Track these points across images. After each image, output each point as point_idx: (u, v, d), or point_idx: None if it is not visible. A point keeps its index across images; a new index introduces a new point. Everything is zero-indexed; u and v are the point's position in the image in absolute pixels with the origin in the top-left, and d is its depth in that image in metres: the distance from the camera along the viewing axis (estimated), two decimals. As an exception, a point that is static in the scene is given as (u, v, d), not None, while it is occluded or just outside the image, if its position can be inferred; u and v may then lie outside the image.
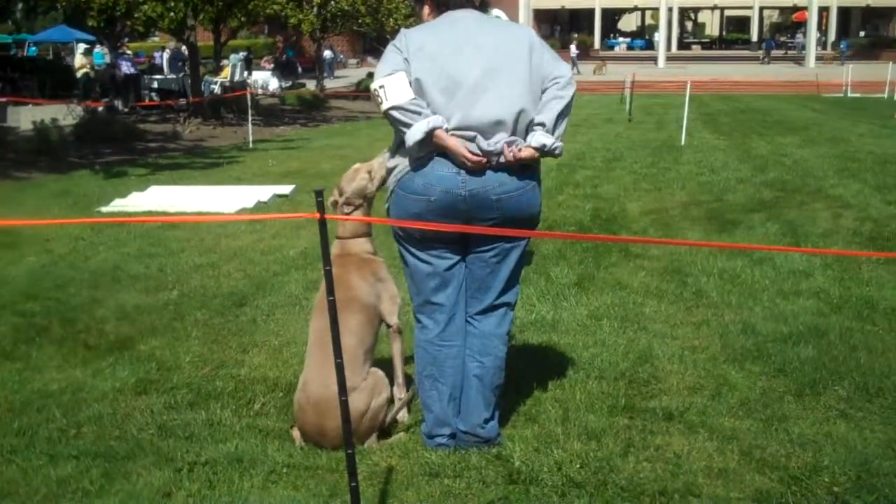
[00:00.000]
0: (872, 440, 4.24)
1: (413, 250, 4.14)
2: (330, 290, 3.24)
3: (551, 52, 4.07)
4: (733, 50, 70.25)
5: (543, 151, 3.92)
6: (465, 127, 3.86)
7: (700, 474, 3.93)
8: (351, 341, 4.14)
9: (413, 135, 3.83)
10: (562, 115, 3.97)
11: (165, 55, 35.40)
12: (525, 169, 3.97)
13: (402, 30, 4.07)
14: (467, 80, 3.87)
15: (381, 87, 3.88)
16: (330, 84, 40.81)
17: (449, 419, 4.18)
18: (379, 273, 4.55)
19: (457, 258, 4.11)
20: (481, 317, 4.18)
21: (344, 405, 3.32)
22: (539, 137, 3.90)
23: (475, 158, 3.84)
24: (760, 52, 64.36)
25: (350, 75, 47.89)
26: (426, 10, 4.20)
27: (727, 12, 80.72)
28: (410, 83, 3.87)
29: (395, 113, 3.87)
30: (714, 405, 4.66)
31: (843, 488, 3.79)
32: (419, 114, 3.85)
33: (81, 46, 33.18)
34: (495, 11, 4.81)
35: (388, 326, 4.59)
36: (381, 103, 3.91)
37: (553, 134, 3.93)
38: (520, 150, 3.88)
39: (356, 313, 4.35)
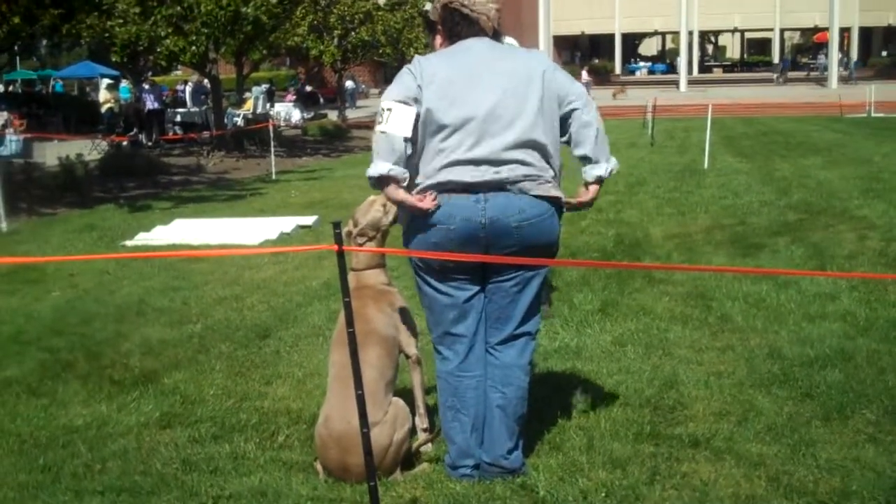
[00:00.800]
0: (902, 464, 4.19)
1: (431, 281, 4.14)
2: (350, 322, 3.25)
3: (564, 73, 4.11)
4: (755, 72, 70.09)
5: (603, 180, 4.10)
6: (477, 157, 3.88)
7: (727, 501, 3.89)
8: (371, 374, 4.14)
9: (375, 169, 3.88)
10: (599, 140, 4.08)
11: (188, 88, 35.74)
12: (544, 196, 3.97)
13: (417, 56, 4.08)
14: (480, 109, 3.88)
15: (389, 109, 3.87)
16: (352, 114, 41.03)
17: (472, 450, 4.16)
18: (395, 304, 4.55)
19: (476, 288, 4.11)
20: (502, 347, 4.16)
21: (366, 437, 3.31)
22: (592, 171, 4.08)
23: (427, 205, 3.92)
24: (776, 74, 64.22)
25: (371, 105, 48.08)
26: (438, 39, 4.22)
27: (748, 35, 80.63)
28: (420, 114, 3.87)
29: (381, 138, 3.87)
30: (741, 431, 4.62)
31: (873, 514, 3.75)
32: (394, 155, 3.85)
33: (105, 81, 33.56)
34: (508, 39, 4.82)
35: (408, 357, 4.57)
36: (379, 122, 3.90)
37: (602, 162, 4.08)
38: (582, 196, 4.12)
39: (375, 346, 4.34)
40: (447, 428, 4.21)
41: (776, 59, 70.02)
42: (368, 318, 4.37)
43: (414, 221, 4.05)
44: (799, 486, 3.99)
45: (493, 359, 4.17)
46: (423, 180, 3.95)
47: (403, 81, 3.94)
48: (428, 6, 4.35)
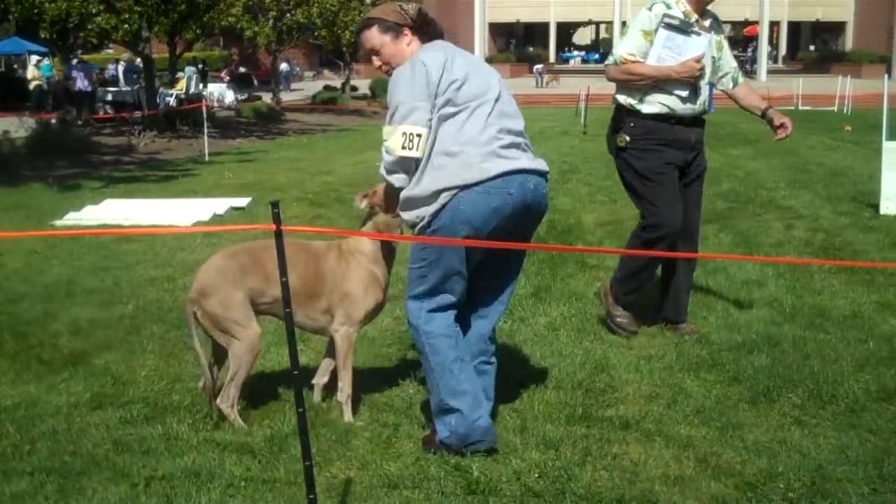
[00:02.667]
0: (826, 446, 4.31)
1: (460, 254, 4.14)
2: (287, 303, 3.24)
3: None
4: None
5: None
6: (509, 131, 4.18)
7: (657, 482, 3.96)
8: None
9: (398, 181, 4.18)
10: None
11: (120, 67, 35.15)
12: None
13: (422, 58, 4.13)
14: (493, 93, 4.17)
15: (419, 135, 4.04)
16: (286, 97, 40.74)
17: (482, 396, 4.27)
18: (354, 276, 4.63)
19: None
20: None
21: (301, 417, 3.31)
22: None
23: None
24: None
25: (306, 88, 47.84)
26: (405, 39, 4.31)
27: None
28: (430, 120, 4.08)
29: (407, 160, 4.09)
30: (670, 413, 4.71)
31: (797, 494, 3.85)
32: (410, 172, 4.13)
33: (34, 58, 32.86)
34: None
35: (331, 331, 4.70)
36: (408, 147, 4.04)
37: None
38: None
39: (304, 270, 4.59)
40: (457, 383, 4.17)
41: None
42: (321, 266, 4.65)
43: (471, 192, 4.04)
44: (727, 468, 4.08)
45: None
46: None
47: (418, 92, 4.08)
48: (381, 10, 4.38)
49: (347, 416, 4.66)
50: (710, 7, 5.93)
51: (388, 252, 4.70)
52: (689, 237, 6.10)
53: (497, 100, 4.16)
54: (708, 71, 5.87)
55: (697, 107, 5.89)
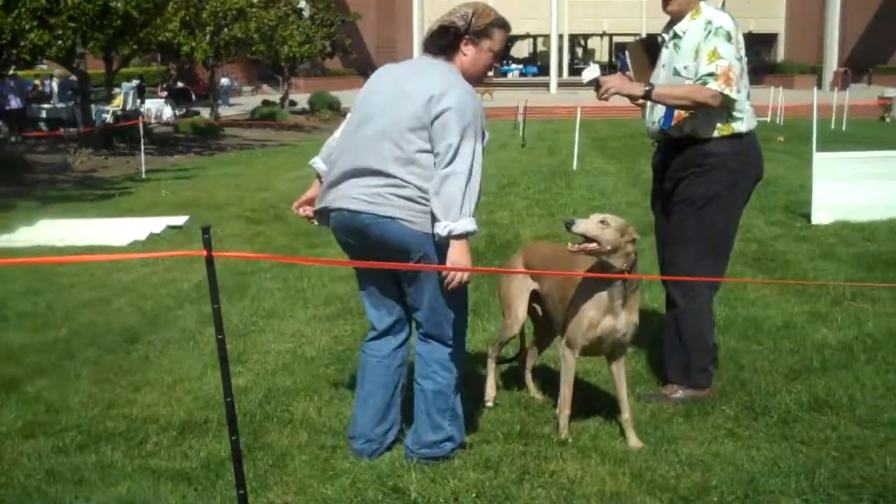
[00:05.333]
0: (759, 458, 4.38)
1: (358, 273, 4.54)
2: (219, 330, 3.23)
3: None
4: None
5: None
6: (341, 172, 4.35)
7: (593, 499, 4.00)
8: None
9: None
10: None
11: (54, 83, 34.63)
12: None
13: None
14: (365, 120, 4.33)
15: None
16: (225, 112, 40.43)
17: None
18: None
19: None
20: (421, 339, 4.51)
21: (235, 444, 3.29)
22: None
23: None
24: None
25: (245, 103, 47.50)
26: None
27: (616, 38, 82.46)
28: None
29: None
30: (606, 428, 4.75)
31: (730, 507, 3.90)
32: None
33: (-36, 76, 32.21)
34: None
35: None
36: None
37: None
38: None
39: None
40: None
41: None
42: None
43: None
44: (661, 482, 4.13)
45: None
46: None
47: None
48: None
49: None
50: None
51: None
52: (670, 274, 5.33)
53: (368, 131, 4.17)
54: (662, 81, 5.21)
55: (655, 125, 5.33)
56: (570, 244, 4.43)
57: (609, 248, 4.37)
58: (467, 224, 3.99)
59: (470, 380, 5.52)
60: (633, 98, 5.13)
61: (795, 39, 70.35)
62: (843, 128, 29.23)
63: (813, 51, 63.91)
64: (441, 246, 4.06)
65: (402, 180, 4.05)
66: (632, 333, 4.62)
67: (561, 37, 68.41)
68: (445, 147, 3.98)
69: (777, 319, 6.72)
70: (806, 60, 64.09)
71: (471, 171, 4.01)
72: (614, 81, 5.09)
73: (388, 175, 4.06)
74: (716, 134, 5.10)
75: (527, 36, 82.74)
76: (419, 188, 4.04)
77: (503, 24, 4.29)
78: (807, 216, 11.15)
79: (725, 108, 5.04)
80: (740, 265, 8.57)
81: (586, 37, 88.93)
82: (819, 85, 50.80)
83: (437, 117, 4.01)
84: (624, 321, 4.54)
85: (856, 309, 6.99)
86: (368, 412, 4.48)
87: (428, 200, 4.02)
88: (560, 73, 66.28)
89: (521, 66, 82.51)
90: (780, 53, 72.33)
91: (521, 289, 5.08)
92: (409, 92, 4.11)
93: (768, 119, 33.25)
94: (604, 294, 4.51)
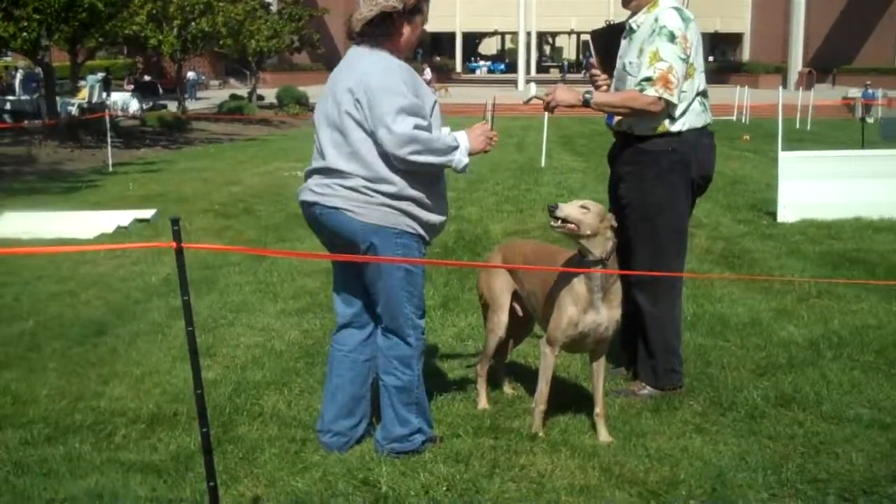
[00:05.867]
0: (726, 453, 4.41)
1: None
2: (189, 321, 3.22)
3: None
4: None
5: None
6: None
7: (563, 492, 4.02)
8: None
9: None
10: None
11: (18, 75, 34.28)
12: None
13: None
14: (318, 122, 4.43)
15: None
16: (192, 105, 40.21)
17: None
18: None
19: None
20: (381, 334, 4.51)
21: (205, 436, 3.28)
22: None
23: None
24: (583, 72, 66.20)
25: (212, 97, 47.28)
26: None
27: (583, 36, 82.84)
28: None
29: None
30: (575, 423, 4.78)
31: (698, 501, 3.94)
32: None
33: (-73, 66, 31.86)
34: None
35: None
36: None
37: None
38: None
39: None
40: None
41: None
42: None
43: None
44: (630, 476, 4.15)
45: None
46: None
47: None
48: None
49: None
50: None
51: None
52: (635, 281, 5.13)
53: (319, 133, 4.32)
54: (616, 74, 5.28)
55: (611, 122, 5.34)
56: (551, 222, 4.44)
57: (589, 231, 4.41)
58: (462, 159, 4.27)
59: (437, 374, 5.55)
60: (576, 106, 5.09)
61: (760, 39, 71.02)
62: (808, 127, 29.55)
63: (778, 51, 64.52)
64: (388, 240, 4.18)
65: (346, 172, 4.14)
66: (613, 328, 4.62)
67: (529, 34, 68.62)
68: (385, 129, 4.06)
69: (744, 316, 6.79)
70: (771, 60, 64.70)
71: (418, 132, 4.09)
72: (555, 94, 5.06)
73: (334, 169, 4.18)
74: (649, 132, 5.08)
75: (495, 33, 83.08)
76: (364, 178, 4.11)
77: None
78: (773, 214, 11.27)
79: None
80: (707, 263, 8.64)
81: (554, 34, 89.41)
82: (784, 85, 51.26)
83: (363, 104, 4.10)
84: (605, 316, 4.55)
85: (821, 306, 7.06)
86: (336, 406, 4.49)
87: (374, 192, 4.11)
88: (528, 71, 66.46)
89: (488, 63, 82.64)
90: (746, 53, 72.93)
91: (503, 288, 5.02)
92: (342, 88, 4.20)
93: (734, 118, 33.55)
94: (583, 289, 4.51)
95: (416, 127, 4.05)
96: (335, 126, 4.19)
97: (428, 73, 53.00)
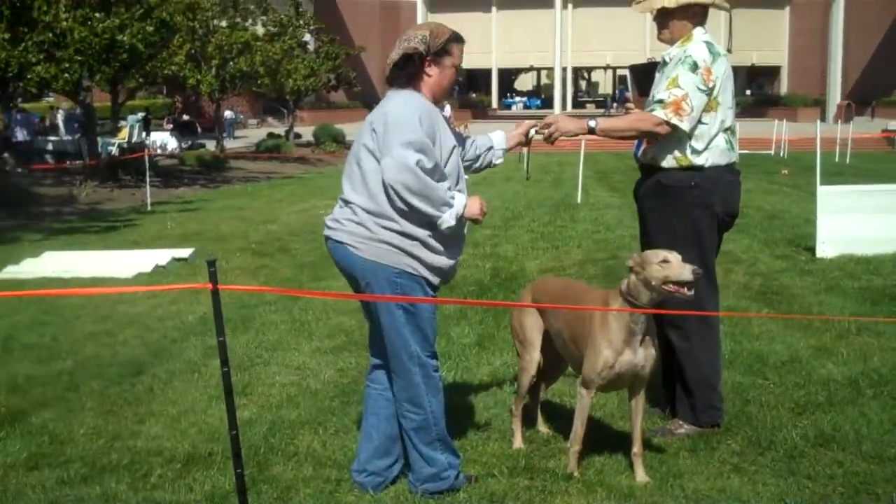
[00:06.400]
0: (765, 493, 4.36)
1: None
2: (224, 361, 3.23)
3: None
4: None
5: None
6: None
7: (599, 534, 3.98)
8: None
9: None
10: None
11: (60, 116, 34.80)
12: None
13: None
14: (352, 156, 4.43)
15: None
16: (230, 144, 40.58)
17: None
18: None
19: None
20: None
21: (234, 440, 3.29)
22: None
23: None
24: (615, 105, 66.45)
25: (250, 135, 47.69)
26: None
27: (619, 71, 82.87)
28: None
29: None
30: (611, 463, 4.74)
31: (736, 543, 3.89)
32: None
33: (-29, 108, 32.37)
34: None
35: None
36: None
37: None
38: None
39: None
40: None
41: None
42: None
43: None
44: (667, 517, 4.11)
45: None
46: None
47: None
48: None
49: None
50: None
51: None
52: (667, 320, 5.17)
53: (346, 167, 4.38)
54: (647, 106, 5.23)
55: (638, 154, 5.40)
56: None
57: None
58: (449, 220, 4.17)
59: (472, 413, 5.52)
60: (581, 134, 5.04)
61: (798, 72, 70.58)
62: (847, 160, 29.30)
63: (816, 84, 64.11)
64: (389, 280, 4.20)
65: (355, 204, 4.20)
66: (651, 366, 4.57)
67: (564, 69, 68.77)
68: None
69: (782, 354, 6.71)
70: (809, 93, 64.27)
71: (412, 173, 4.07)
72: (558, 124, 4.97)
73: (346, 200, 4.27)
74: (673, 164, 5.07)
75: (531, 69, 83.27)
76: (369, 212, 4.15)
77: (458, 38, 4.39)
78: (811, 249, 11.16)
79: (679, 138, 4.99)
80: (745, 299, 8.57)
81: (590, 69, 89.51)
82: (822, 118, 50.92)
83: (379, 132, 4.16)
84: (642, 355, 4.51)
85: (861, 343, 6.97)
86: (371, 445, 4.48)
87: (378, 227, 4.13)
88: (564, 106, 66.57)
89: (524, 99, 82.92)
90: (784, 86, 72.56)
91: (534, 327, 5.00)
92: (367, 123, 4.31)
93: (772, 152, 33.34)
94: (619, 329, 4.49)
95: (419, 163, 4.04)
96: (355, 159, 4.28)
97: (448, 109, 53.16)
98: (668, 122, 4.88)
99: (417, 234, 4.15)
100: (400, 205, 4.08)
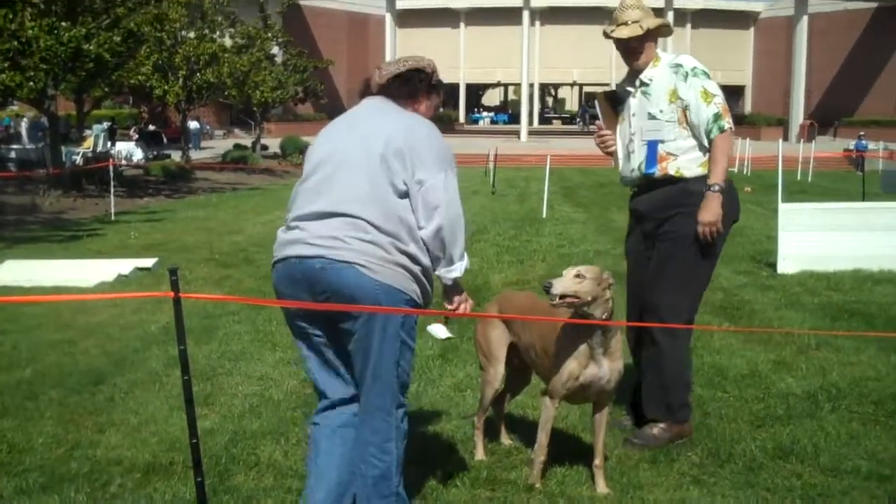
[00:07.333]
0: (723, 505, 4.40)
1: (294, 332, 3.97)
2: (185, 370, 3.23)
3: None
4: (593, 125, 72.76)
5: None
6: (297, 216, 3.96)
7: (559, 544, 3.99)
8: None
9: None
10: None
11: (24, 124, 34.49)
12: None
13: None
14: (327, 164, 3.94)
15: None
16: (196, 155, 40.38)
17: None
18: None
19: None
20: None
21: (194, 448, 3.27)
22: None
23: None
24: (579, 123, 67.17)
25: (216, 146, 47.53)
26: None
27: (586, 88, 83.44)
28: None
29: None
30: (572, 474, 4.76)
31: (694, 553, 3.92)
32: None
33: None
34: None
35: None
36: None
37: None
38: None
39: None
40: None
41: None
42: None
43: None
44: (626, 528, 4.13)
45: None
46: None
47: None
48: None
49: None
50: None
51: None
52: (649, 311, 5.40)
53: (327, 172, 3.85)
54: (636, 128, 5.36)
55: (635, 171, 5.39)
56: (549, 301, 4.42)
57: (589, 298, 4.40)
58: (458, 271, 3.91)
59: (435, 425, 5.53)
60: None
61: (762, 92, 71.47)
62: (809, 179, 29.65)
63: (779, 103, 64.89)
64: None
65: (364, 221, 3.69)
66: (616, 380, 4.58)
67: (532, 86, 69.12)
68: (419, 182, 3.75)
69: (742, 367, 6.78)
70: (773, 113, 65.02)
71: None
72: (703, 216, 5.11)
73: (346, 215, 3.73)
74: (699, 171, 5.20)
75: (498, 84, 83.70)
76: (385, 232, 3.69)
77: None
78: (773, 265, 11.28)
79: (700, 144, 5.20)
80: (707, 314, 8.63)
81: (556, 86, 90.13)
82: (785, 137, 51.54)
83: (405, 152, 3.75)
84: (607, 368, 4.52)
85: (820, 358, 7.05)
86: (322, 490, 3.90)
87: (395, 249, 3.70)
88: (530, 122, 66.88)
89: (491, 114, 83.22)
90: (748, 105, 73.38)
91: (500, 340, 4.98)
92: (374, 133, 3.83)
93: (736, 169, 33.63)
94: (583, 344, 4.51)
95: None
96: (361, 168, 3.75)
97: None
98: (731, 127, 5.19)
99: (425, 262, 3.80)
100: (432, 236, 3.76)
